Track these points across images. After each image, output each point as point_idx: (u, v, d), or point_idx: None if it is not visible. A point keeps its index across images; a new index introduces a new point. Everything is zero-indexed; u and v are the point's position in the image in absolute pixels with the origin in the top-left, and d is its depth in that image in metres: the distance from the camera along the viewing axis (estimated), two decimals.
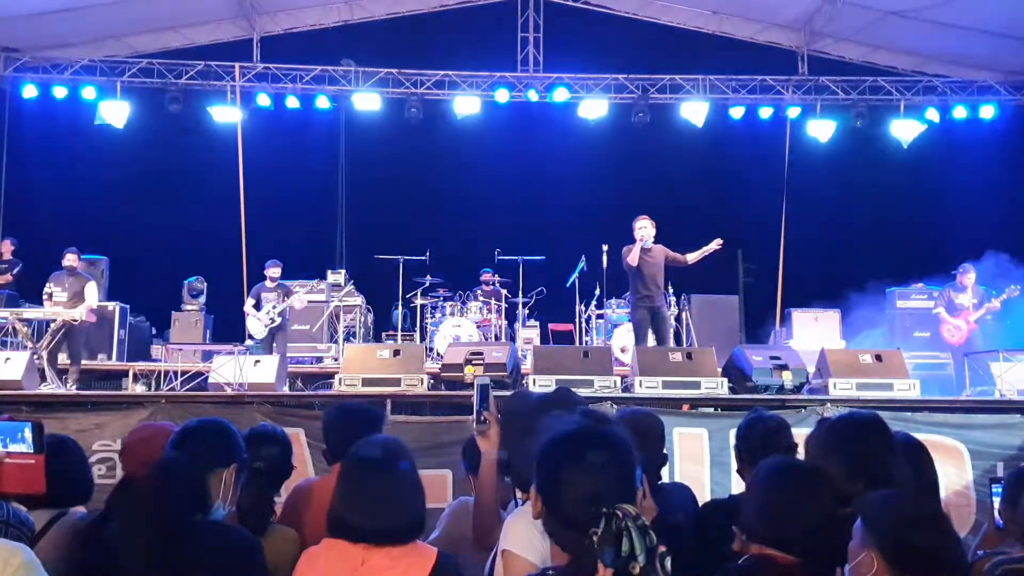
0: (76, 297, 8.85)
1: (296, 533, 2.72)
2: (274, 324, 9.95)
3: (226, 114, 12.93)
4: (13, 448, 2.22)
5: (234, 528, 2.36)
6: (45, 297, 8.83)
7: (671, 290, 10.91)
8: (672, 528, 2.84)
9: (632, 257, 8.65)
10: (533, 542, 1.97)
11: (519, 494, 2.35)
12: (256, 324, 9.97)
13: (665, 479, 3.10)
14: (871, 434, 2.38)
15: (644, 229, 8.73)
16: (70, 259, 9.04)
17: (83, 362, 9.68)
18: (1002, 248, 10.21)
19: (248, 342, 10.08)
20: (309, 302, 10.94)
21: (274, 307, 9.93)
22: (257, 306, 10.02)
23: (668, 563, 1.48)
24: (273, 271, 10.15)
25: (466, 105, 13.04)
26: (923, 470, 2.53)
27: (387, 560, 2.12)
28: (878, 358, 7.61)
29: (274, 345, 9.92)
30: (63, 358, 8.75)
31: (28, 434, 2.22)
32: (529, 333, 11.86)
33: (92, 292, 8.98)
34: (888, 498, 2.04)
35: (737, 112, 13.28)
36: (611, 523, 1.47)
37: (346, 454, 2.30)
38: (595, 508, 1.50)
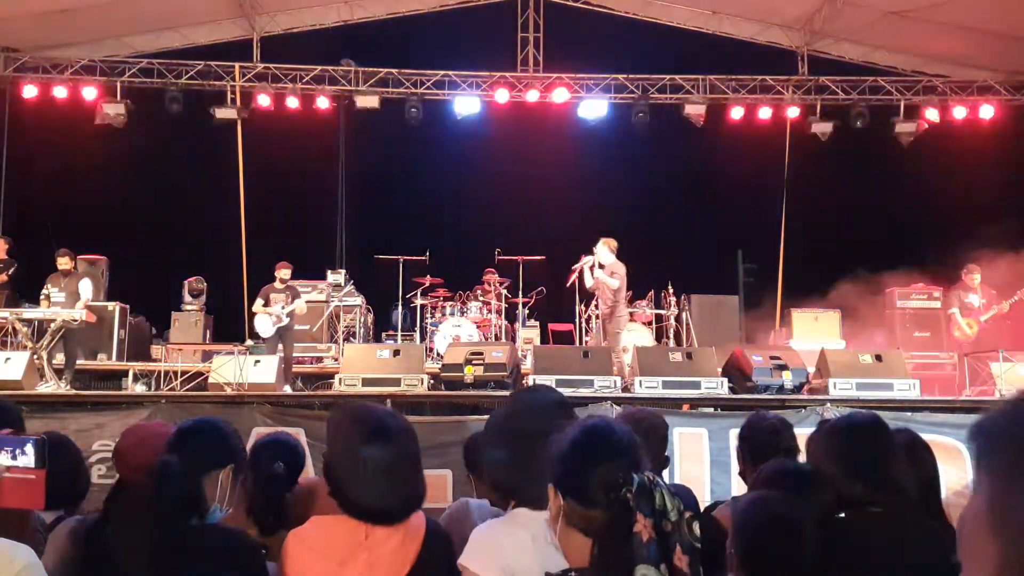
0: (73, 296, 8.85)
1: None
2: (282, 324, 9.94)
3: (226, 114, 12.93)
4: (13, 463, 2.20)
5: (232, 530, 2.35)
6: (43, 299, 8.83)
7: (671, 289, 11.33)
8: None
9: (585, 280, 9.44)
10: (494, 557, 1.89)
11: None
12: (264, 323, 9.92)
13: (665, 479, 3.10)
14: (870, 436, 2.38)
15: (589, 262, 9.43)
16: (63, 261, 9.05)
17: (84, 362, 9.70)
18: (1003, 248, 10.21)
19: (248, 342, 10.08)
20: (309, 302, 10.95)
21: (282, 307, 9.91)
22: (266, 306, 10.02)
23: (696, 527, 1.52)
24: (283, 272, 10.12)
25: (466, 105, 13.04)
26: (924, 470, 2.53)
27: (387, 531, 2.09)
28: (878, 358, 7.62)
29: (280, 345, 9.91)
30: (59, 359, 8.74)
31: (30, 449, 2.20)
32: (529, 333, 11.86)
33: (86, 287, 8.97)
34: (751, 501, 2.08)
35: (737, 112, 13.28)
36: (643, 481, 1.51)
37: (347, 432, 2.14)
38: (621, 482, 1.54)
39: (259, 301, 10.05)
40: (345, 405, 2.25)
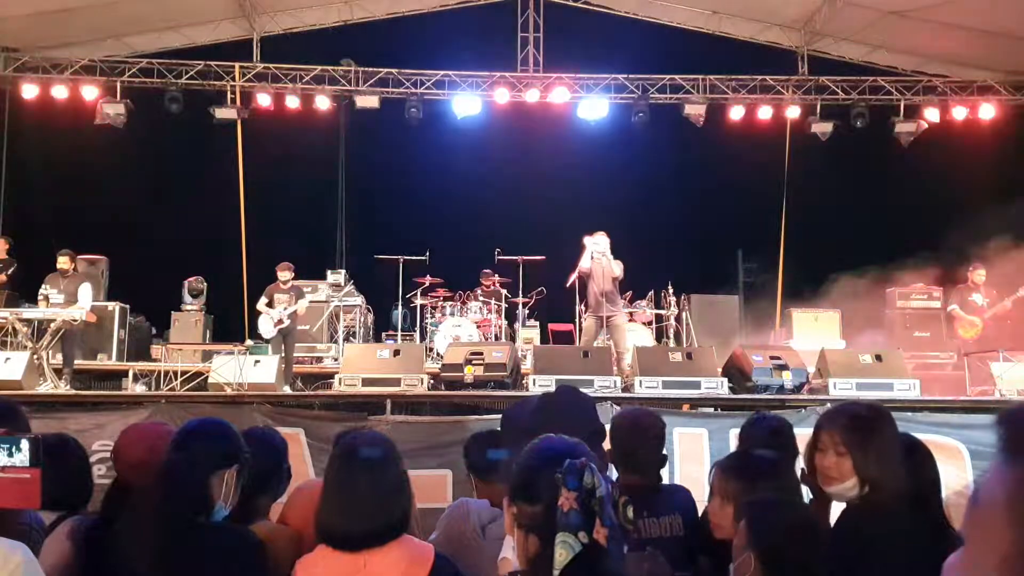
0: (72, 299, 8.84)
1: (296, 532, 2.71)
2: (283, 325, 9.90)
3: (226, 114, 12.93)
4: (8, 462, 2.20)
5: (237, 529, 2.36)
6: (41, 299, 8.82)
7: (671, 289, 11.33)
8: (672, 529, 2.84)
9: (584, 261, 9.17)
10: None
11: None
12: (266, 324, 9.93)
13: (665, 479, 3.10)
14: (869, 428, 2.35)
15: (598, 245, 9.22)
16: (63, 261, 9.04)
17: (84, 362, 9.70)
18: (1003, 248, 10.21)
19: (248, 342, 10.07)
20: (309, 302, 10.93)
21: (285, 308, 9.90)
22: (270, 305, 9.98)
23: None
24: (284, 275, 10.08)
25: (466, 105, 13.04)
26: (924, 472, 2.52)
27: (386, 562, 2.11)
28: (878, 358, 7.61)
29: (283, 346, 9.86)
30: (57, 359, 8.73)
31: (24, 447, 2.20)
32: (529, 333, 11.85)
33: (86, 294, 8.95)
34: (771, 503, 2.09)
35: (737, 112, 13.28)
36: (573, 464, 1.58)
37: (333, 456, 2.29)
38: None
39: (263, 300, 10.05)
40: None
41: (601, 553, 1.51)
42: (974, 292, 9.75)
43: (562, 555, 1.50)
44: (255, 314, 10.24)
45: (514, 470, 1.73)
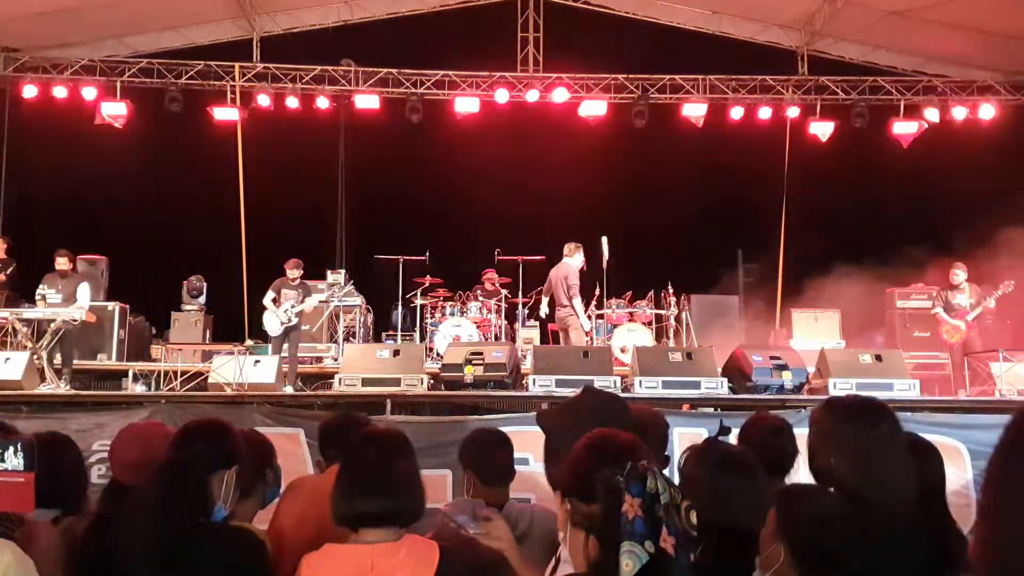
0: (70, 299, 8.82)
1: (270, 536, 2.68)
2: (290, 324, 9.63)
3: (226, 114, 12.93)
4: (2, 466, 2.19)
5: (237, 529, 2.36)
6: (38, 299, 8.80)
7: (671, 289, 11.45)
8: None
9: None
10: None
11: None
12: (273, 322, 9.62)
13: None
14: (875, 427, 2.32)
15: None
16: (61, 261, 9.01)
17: (83, 362, 9.70)
18: (1001, 247, 10.21)
19: (248, 342, 10.05)
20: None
21: (292, 306, 9.62)
22: (276, 301, 9.66)
23: (694, 516, 1.53)
24: (293, 271, 9.78)
25: (466, 105, 13.04)
26: (927, 472, 2.50)
27: (395, 560, 2.11)
28: (878, 358, 7.62)
29: (285, 345, 9.60)
30: (57, 360, 8.71)
31: (19, 451, 2.20)
32: (529, 333, 11.85)
33: (85, 294, 8.92)
34: (804, 492, 2.05)
35: (737, 112, 13.28)
36: (636, 466, 1.52)
37: (359, 439, 2.35)
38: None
39: (270, 294, 9.68)
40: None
41: (669, 563, 1.45)
42: (958, 294, 9.72)
43: (628, 566, 1.43)
44: (260, 309, 9.90)
45: (566, 466, 1.69)
